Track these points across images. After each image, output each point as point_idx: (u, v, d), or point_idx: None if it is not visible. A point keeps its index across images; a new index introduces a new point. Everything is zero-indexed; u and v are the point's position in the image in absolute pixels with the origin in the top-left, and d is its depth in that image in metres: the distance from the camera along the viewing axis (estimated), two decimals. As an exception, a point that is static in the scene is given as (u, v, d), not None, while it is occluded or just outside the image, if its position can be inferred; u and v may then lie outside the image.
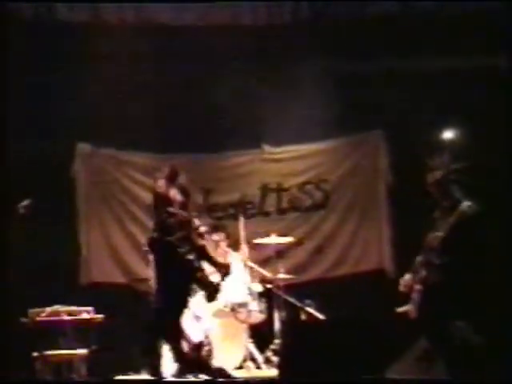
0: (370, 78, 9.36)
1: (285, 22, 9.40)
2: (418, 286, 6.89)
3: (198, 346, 7.89)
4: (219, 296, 8.35)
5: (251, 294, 8.39)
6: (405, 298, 6.97)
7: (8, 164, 8.41)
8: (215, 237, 8.79)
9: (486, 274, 7.03)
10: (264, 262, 8.93)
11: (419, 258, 6.95)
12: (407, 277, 7.05)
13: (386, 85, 9.27)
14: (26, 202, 7.51)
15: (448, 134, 9.17)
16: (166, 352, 7.78)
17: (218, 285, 8.37)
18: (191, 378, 7.37)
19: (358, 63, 9.40)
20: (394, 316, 7.08)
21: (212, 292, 8.22)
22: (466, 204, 6.74)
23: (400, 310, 7.04)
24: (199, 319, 8.03)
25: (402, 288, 7.04)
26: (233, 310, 8.34)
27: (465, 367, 6.56)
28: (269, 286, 8.70)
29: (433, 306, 6.74)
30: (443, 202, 6.90)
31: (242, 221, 8.75)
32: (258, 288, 8.58)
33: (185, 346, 7.78)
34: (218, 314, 8.28)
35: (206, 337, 8.02)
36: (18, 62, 8.77)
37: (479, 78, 8.92)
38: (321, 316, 8.62)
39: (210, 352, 7.97)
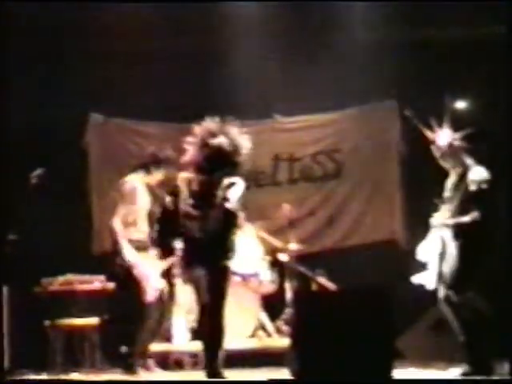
0: (384, 48, 9.30)
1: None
2: None
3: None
4: None
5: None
6: (417, 269, 6.94)
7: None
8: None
9: (499, 242, 6.93)
10: (276, 232, 8.94)
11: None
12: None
13: (398, 54, 9.21)
14: (38, 172, 7.52)
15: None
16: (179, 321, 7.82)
17: None
18: None
19: (372, 33, 9.35)
20: (406, 286, 7.05)
21: None
22: (473, 172, 6.66)
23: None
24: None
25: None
26: (244, 279, 8.37)
27: (476, 339, 6.56)
28: (280, 255, 8.71)
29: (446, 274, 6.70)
30: (456, 168, 6.79)
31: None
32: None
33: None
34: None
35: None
36: (29, 32, 8.78)
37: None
38: (332, 286, 8.63)
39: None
